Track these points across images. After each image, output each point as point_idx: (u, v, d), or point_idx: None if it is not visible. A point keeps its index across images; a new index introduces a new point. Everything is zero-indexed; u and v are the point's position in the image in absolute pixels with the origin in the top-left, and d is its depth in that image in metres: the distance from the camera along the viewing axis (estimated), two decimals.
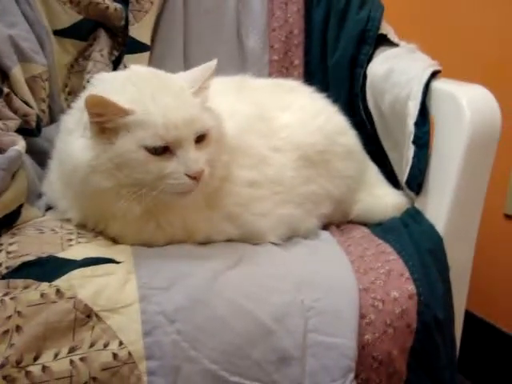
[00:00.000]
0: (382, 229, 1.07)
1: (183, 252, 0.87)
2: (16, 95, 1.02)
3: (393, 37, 1.29)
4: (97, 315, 0.73)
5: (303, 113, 1.08)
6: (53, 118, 1.15)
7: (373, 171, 1.19)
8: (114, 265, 0.79)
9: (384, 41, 1.30)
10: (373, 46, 1.27)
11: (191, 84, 0.87)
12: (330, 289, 0.84)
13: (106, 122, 0.81)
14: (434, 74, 1.09)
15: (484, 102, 1.01)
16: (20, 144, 0.90)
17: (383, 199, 1.14)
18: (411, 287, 0.88)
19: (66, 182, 0.89)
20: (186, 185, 0.82)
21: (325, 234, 1.05)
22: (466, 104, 0.99)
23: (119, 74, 0.96)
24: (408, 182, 1.06)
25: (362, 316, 0.83)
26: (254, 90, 1.09)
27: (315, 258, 0.93)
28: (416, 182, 1.05)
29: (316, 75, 1.30)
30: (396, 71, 1.15)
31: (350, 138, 1.13)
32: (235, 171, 0.94)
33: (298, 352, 0.77)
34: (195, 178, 0.82)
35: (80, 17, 1.20)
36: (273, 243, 0.97)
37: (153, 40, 1.27)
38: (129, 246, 0.86)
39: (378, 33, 1.28)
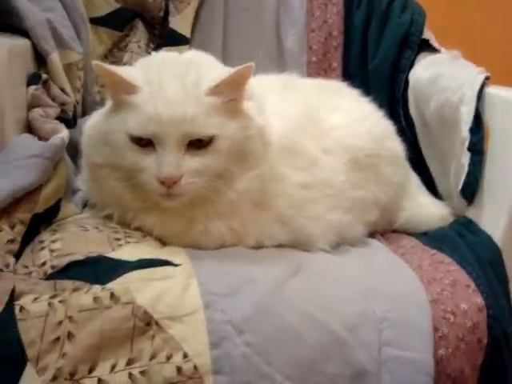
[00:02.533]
0: (431, 238, 0.98)
1: (240, 256, 0.77)
2: (53, 82, 0.93)
3: (434, 42, 1.23)
4: (157, 323, 0.63)
5: (351, 115, 1.00)
6: (85, 110, 1.05)
7: (414, 180, 1.12)
8: (172, 267, 0.69)
9: (425, 46, 1.24)
10: (415, 51, 1.21)
11: (212, 81, 0.75)
12: (399, 299, 0.75)
13: (115, 95, 0.76)
14: (485, 81, 1.03)
15: None
16: (63, 132, 0.80)
17: (428, 208, 1.06)
18: (479, 299, 0.79)
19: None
20: (154, 187, 0.73)
21: (374, 243, 0.96)
22: None
23: (151, 57, 0.86)
24: (463, 190, 0.98)
25: (435, 329, 0.74)
26: (301, 89, 1.01)
27: (375, 266, 0.84)
28: (471, 190, 0.97)
29: (355, 79, 1.21)
30: (444, 76, 1.09)
31: (396, 142, 1.05)
32: (287, 172, 0.85)
33: (374, 367, 0.67)
34: (165, 183, 0.72)
35: (118, 5, 1.13)
36: (324, 250, 0.88)
37: (192, 32, 1.19)
38: (182, 249, 0.76)
39: (421, 37, 1.21)
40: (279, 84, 0.99)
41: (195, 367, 0.62)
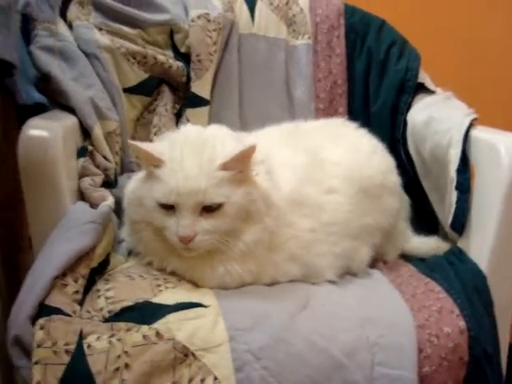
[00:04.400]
0: (426, 266, 1.18)
1: (257, 294, 0.99)
2: (97, 151, 1.17)
3: (429, 84, 1.43)
4: (193, 354, 0.85)
5: (358, 148, 1.21)
6: (123, 168, 1.29)
7: None
8: (203, 308, 0.91)
9: (422, 88, 1.43)
10: (412, 95, 1.41)
11: (223, 158, 0.96)
12: (391, 326, 0.95)
13: (146, 166, 0.99)
14: (472, 122, 1.21)
15: None
16: (109, 199, 1.03)
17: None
18: (462, 323, 0.99)
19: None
20: (175, 242, 0.96)
21: (376, 274, 1.16)
22: (504, 152, 1.10)
23: (175, 133, 1.08)
24: (452, 225, 1.17)
25: (419, 350, 0.94)
26: (306, 132, 1.23)
27: (372, 297, 1.04)
28: (460, 224, 1.16)
29: (359, 121, 1.40)
30: (436, 119, 1.28)
31: (396, 175, 1.27)
32: (296, 219, 1.07)
33: None
34: (182, 240, 0.94)
35: (146, 75, 1.36)
36: (330, 282, 1.09)
37: (211, 94, 1.41)
38: (210, 290, 0.98)
39: (417, 82, 1.41)
40: (284, 133, 1.21)
41: None
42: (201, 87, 1.38)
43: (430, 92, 1.42)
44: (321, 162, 1.16)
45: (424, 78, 1.43)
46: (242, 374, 0.85)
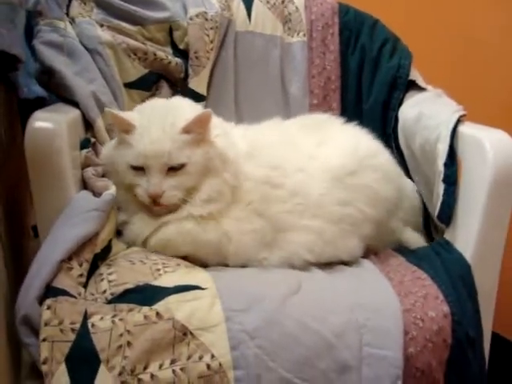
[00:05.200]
0: (415, 256, 1.25)
1: (253, 279, 1.07)
2: (99, 143, 1.23)
3: (420, 82, 1.49)
4: (191, 333, 0.92)
5: (334, 143, 1.27)
6: None
7: None
8: (200, 291, 0.98)
9: (413, 85, 1.50)
10: (403, 91, 1.48)
11: (184, 122, 1.10)
12: (378, 310, 1.02)
13: (119, 133, 1.14)
14: (460, 119, 1.28)
15: (504, 145, 1.19)
16: (112, 188, 1.10)
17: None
18: (446, 308, 1.06)
19: None
20: (145, 199, 1.10)
21: (367, 263, 1.23)
22: (489, 147, 1.17)
23: (144, 104, 1.23)
24: (439, 216, 1.24)
25: (405, 332, 1.00)
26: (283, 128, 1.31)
27: (362, 284, 1.11)
28: (446, 216, 1.23)
29: (352, 117, 1.45)
30: (425, 115, 1.34)
31: (383, 159, 1.29)
32: (252, 169, 1.17)
33: (356, 362, 0.95)
34: (152, 196, 1.09)
35: (146, 71, 1.42)
36: (320, 268, 1.16)
37: (207, 90, 1.48)
38: (208, 273, 1.05)
39: (408, 79, 1.48)
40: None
41: (220, 364, 0.90)
42: (198, 83, 1.45)
43: (420, 89, 1.49)
44: (295, 144, 1.25)
45: (415, 75, 1.50)
46: (237, 352, 0.91)
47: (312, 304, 1.01)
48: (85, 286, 0.99)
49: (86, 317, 0.92)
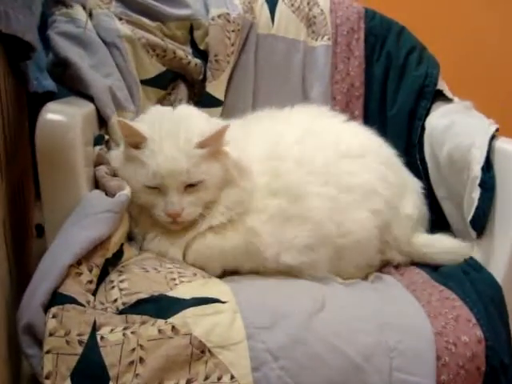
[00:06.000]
0: (440, 274, 1.15)
1: (276, 291, 0.97)
2: (113, 141, 1.13)
3: (448, 92, 1.41)
4: (210, 351, 0.82)
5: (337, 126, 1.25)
6: None
7: None
8: (220, 304, 0.88)
9: (440, 95, 1.42)
10: (430, 101, 1.39)
11: (199, 136, 1.01)
12: (409, 331, 0.93)
13: (128, 147, 1.02)
14: (494, 133, 1.18)
15: None
16: (127, 189, 1.00)
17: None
18: (479, 332, 0.96)
19: None
20: (163, 218, 1.02)
21: (389, 279, 1.14)
22: None
23: (149, 115, 1.12)
24: (472, 222, 1.14)
25: (437, 358, 0.91)
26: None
27: (389, 301, 1.01)
28: (480, 223, 1.13)
29: (375, 125, 1.37)
30: (458, 124, 1.26)
31: (387, 150, 1.26)
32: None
33: None
34: (171, 216, 1.01)
35: (164, 68, 1.33)
36: (343, 286, 1.07)
37: (225, 95, 1.39)
38: (227, 285, 0.95)
39: (436, 88, 1.40)
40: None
41: None
42: (216, 88, 1.37)
43: (447, 100, 1.41)
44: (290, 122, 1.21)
45: (442, 85, 1.42)
46: (259, 374, 0.81)
47: (338, 322, 0.91)
48: (94, 293, 0.89)
49: (94, 328, 0.82)
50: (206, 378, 0.80)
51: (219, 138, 1.03)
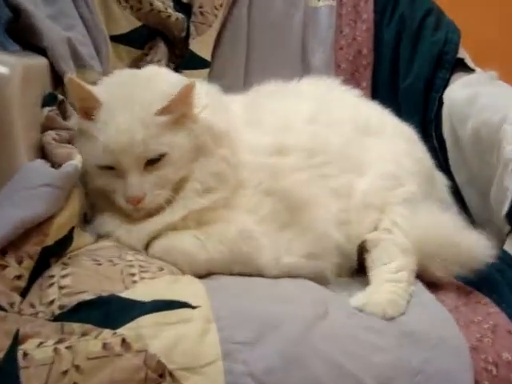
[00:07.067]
0: None
1: (262, 293, 0.72)
2: (69, 103, 0.88)
3: (469, 62, 1.18)
4: (171, 375, 0.57)
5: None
6: None
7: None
8: (189, 310, 0.63)
9: (459, 66, 1.18)
10: (450, 71, 1.16)
11: (161, 101, 0.78)
12: (438, 346, 0.68)
13: (81, 116, 0.80)
14: None
15: None
16: (77, 158, 0.75)
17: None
18: None
19: None
20: (123, 205, 0.79)
21: None
22: None
23: (119, 75, 0.89)
24: (508, 214, 0.90)
25: (476, 382, 0.66)
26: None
27: (408, 306, 0.77)
28: None
29: (385, 99, 1.13)
30: (484, 95, 1.03)
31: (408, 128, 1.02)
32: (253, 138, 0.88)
33: None
34: (131, 202, 0.78)
35: (139, 23, 1.11)
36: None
37: (213, 56, 1.17)
38: (201, 284, 0.70)
39: (456, 56, 1.16)
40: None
41: None
42: (201, 45, 1.14)
43: (468, 71, 1.17)
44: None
45: (463, 53, 1.18)
46: None
47: (346, 335, 0.66)
48: (23, 293, 0.65)
49: (16, 341, 0.57)
50: None
51: (185, 100, 0.80)
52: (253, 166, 0.84)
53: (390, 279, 0.79)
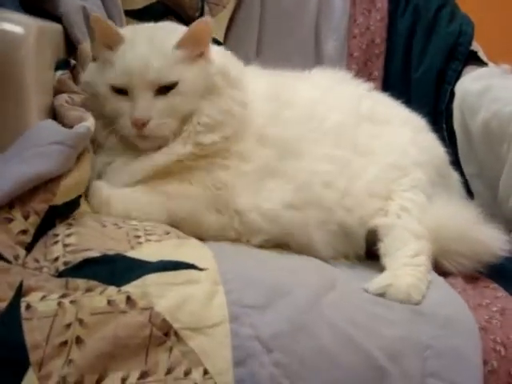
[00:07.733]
0: None
1: (272, 262, 0.70)
2: (82, 69, 0.86)
3: (482, 55, 1.16)
4: (177, 334, 0.55)
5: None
6: None
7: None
8: (196, 272, 0.61)
9: (472, 59, 1.16)
10: (462, 62, 1.13)
11: (178, 35, 0.81)
12: (448, 324, 0.65)
13: (101, 49, 0.82)
14: None
15: None
16: (89, 120, 0.73)
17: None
18: None
19: None
20: (128, 129, 0.79)
21: None
22: None
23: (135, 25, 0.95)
24: None
25: (484, 362, 0.64)
26: None
27: None
28: None
29: (396, 89, 1.12)
30: (496, 87, 1.01)
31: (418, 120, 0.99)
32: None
33: None
34: (136, 124, 0.78)
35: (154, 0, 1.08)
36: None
37: (225, 37, 1.15)
38: (208, 249, 0.68)
39: (470, 48, 1.14)
40: None
41: None
42: (214, 26, 1.08)
43: (481, 64, 1.15)
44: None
45: (476, 46, 1.16)
46: (243, 370, 0.54)
47: (355, 307, 0.64)
48: (28, 247, 0.62)
49: (19, 292, 0.55)
50: (169, 372, 0.53)
51: (202, 38, 0.82)
52: (258, 112, 0.84)
53: (407, 263, 0.76)
